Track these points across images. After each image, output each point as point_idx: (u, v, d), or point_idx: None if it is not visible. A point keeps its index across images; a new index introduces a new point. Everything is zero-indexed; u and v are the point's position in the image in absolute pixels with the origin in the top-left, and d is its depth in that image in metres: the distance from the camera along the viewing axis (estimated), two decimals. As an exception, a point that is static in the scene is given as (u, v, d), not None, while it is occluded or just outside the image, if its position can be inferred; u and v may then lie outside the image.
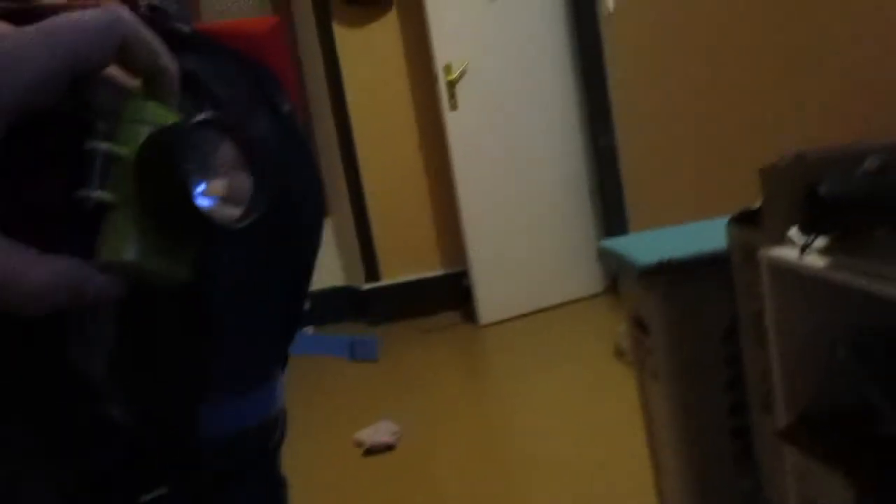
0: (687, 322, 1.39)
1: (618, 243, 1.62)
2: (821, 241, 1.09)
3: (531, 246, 4.00)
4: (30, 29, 0.37)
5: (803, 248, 1.09)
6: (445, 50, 3.78)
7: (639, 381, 1.68)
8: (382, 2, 4.18)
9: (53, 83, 0.36)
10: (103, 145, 0.36)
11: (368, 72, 4.23)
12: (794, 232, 1.14)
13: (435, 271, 4.39)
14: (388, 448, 2.59)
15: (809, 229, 1.13)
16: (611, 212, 4.13)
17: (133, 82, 0.42)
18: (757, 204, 1.23)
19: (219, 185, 0.40)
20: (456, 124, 3.83)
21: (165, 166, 0.36)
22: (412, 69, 4.24)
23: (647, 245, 1.54)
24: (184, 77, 0.56)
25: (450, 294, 4.29)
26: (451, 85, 3.80)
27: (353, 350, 4.04)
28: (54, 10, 0.42)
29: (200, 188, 0.38)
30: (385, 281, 4.37)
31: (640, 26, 3.05)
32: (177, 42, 0.58)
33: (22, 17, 0.42)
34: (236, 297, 0.55)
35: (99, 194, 0.36)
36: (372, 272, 4.37)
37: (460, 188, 3.88)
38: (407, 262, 4.38)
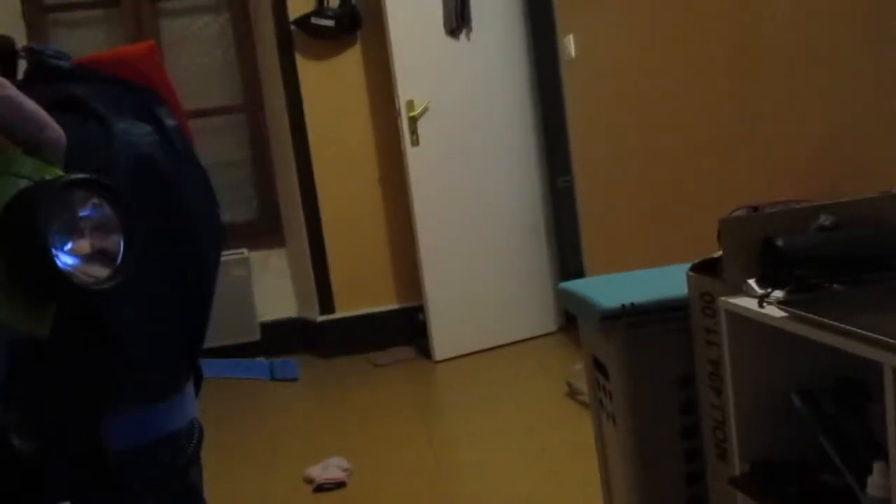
0: (646, 367, 1.41)
1: (578, 285, 1.65)
2: (779, 293, 1.12)
3: (487, 283, 4.02)
4: None
5: (762, 300, 1.12)
6: (408, 86, 3.82)
7: (595, 423, 1.70)
8: (346, 36, 4.20)
9: None
10: None
11: (330, 105, 4.24)
12: (752, 282, 1.17)
13: (390, 305, 4.37)
14: (339, 485, 2.55)
15: (768, 281, 1.17)
16: (567, 252, 4.18)
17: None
18: (717, 253, 1.27)
19: (85, 244, 0.40)
20: (417, 160, 3.86)
21: (28, 224, 0.36)
22: (374, 104, 4.26)
23: (606, 288, 1.56)
24: (68, 100, 0.58)
25: (404, 328, 4.28)
26: (413, 121, 3.83)
27: (273, 371, 4.04)
28: None
29: (64, 247, 0.38)
30: (339, 313, 4.34)
31: (600, 73, 3.12)
32: (60, 75, 0.62)
33: None
34: (136, 308, 0.56)
35: None
36: (326, 304, 4.33)
37: (418, 223, 3.89)
38: (362, 295, 4.35)
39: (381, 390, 3.64)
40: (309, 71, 4.21)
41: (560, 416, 2.92)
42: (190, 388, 0.71)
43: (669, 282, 1.51)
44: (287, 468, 2.73)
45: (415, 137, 3.84)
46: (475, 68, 3.95)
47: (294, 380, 3.95)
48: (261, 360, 4.28)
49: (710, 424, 1.35)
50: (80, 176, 0.39)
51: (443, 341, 3.94)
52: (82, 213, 0.40)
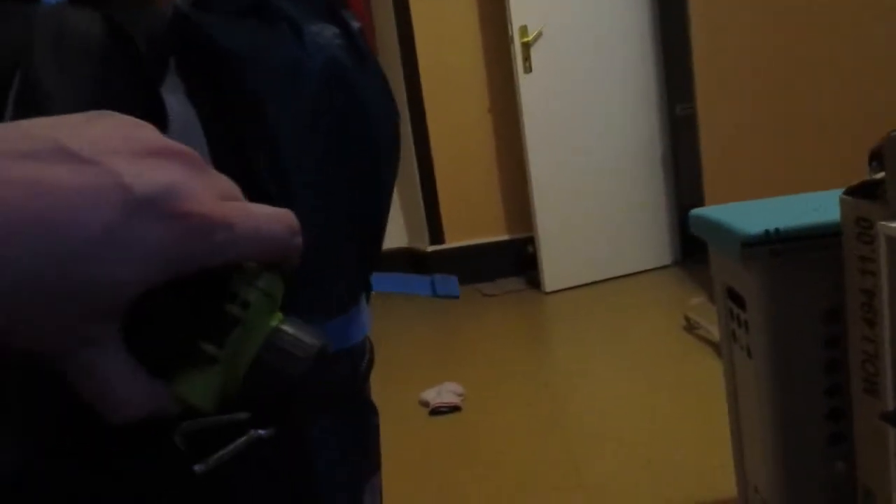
0: (788, 298, 1.33)
1: (713, 212, 1.57)
2: (952, 217, 1.03)
3: (600, 214, 3.93)
4: (232, 221, 0.37)
5: (933, 224, 1.02)
6: (522, 11, 3.70)
7: (726, 356, 1.64)
8: (458, -40, 4.11)
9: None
10: (236, 310, 0.40)
11: (441, 32, 4.18)
12: (920, 206, 1.08)
13: (500, 236, 4.35)
14: (454, 409, 2.59)
15: (940, 204, 1.07)
16: (684, 183, 4.03)
17: None
18: (877, 175, 1.17)
19: None
20: (529, 88, 3.77)
21: (288, 375, 0.42)
22: (486, 31, 4.17)
23: (744, 215, 1.48)
24: (255, 4, 0.57)
25: (513, 260, 4.26)
26: (527, 47, 3.72)
27: (435, 287, 4.13)
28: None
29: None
30: (449, 244, 4.36)
31: (730, -9, 2.93)
32: None
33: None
34: (312, 216, 0.55)
35: (214, 350, 0.39)
36: (436, 235, 4.36)
37: (530, 153, 3.83)
38: (471, 226, 4.35)
39: (491, 321, 3.66)
40: (420, -2, 4.15)
41: (678, 350, 2.86)
42: (365, 302, 0.70)
43: (812, 209, 1.42)
44: (403, 392, 2.80)
45: (527, 64, 3.74)
46: (592, -10, 3.79)
47: (455, 297, 4.04)
48: (423, 276, 4.37)
49: (860, 358, 1.27)
50: (326, 342, 0.44)
51: (553, 273, 3.91)
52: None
